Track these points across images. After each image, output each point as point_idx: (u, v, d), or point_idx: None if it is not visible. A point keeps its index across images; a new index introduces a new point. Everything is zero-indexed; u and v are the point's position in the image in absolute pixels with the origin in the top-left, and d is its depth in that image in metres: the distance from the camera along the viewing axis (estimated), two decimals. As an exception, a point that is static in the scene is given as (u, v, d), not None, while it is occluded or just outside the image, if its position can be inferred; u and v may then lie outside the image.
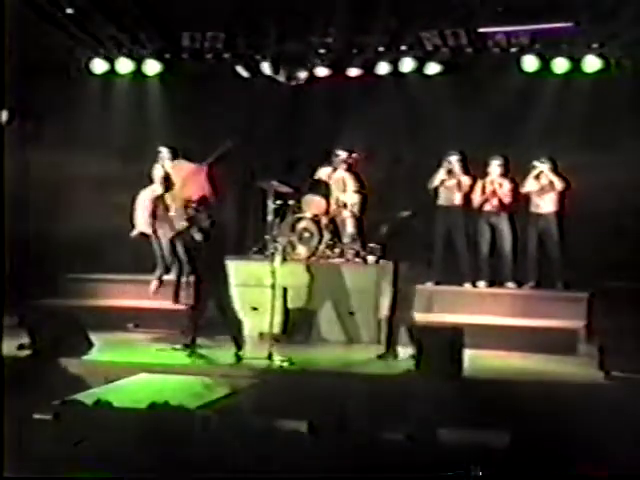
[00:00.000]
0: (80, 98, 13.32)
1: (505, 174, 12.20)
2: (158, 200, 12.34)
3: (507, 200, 12.17)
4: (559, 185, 11.93)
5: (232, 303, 10.36)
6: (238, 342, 10.11)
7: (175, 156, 12.69)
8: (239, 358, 9.99)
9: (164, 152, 12.67)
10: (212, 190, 12.09)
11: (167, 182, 12.45)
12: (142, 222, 12.54)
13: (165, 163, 12.66)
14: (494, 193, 12.17)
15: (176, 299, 12.00)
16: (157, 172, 12.64)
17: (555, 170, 11.97)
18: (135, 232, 12.63)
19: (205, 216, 10.23)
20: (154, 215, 12.32)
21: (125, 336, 11.55)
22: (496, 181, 12.19)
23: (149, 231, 12.45)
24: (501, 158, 12.14)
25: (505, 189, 12.18)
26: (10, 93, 11.93)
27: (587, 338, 10.80)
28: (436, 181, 12.24)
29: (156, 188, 12.53)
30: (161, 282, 12.38)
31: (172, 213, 12.10)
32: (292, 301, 11.47)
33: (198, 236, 10.15)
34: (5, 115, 12.68)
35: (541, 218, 12.07)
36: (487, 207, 12.22)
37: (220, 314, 10.29)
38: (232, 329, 10.22)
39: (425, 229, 11.50)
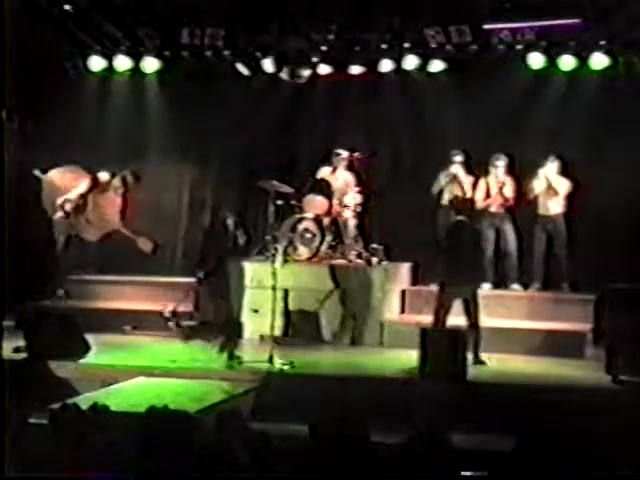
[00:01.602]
0: (78, 96, 13.25)
1: (510, 174, 12.06)
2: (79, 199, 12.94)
3: (511, 201, 12.04)
4: (562, 188, 11.77)
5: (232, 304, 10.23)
6: (225, 345, 9.92)
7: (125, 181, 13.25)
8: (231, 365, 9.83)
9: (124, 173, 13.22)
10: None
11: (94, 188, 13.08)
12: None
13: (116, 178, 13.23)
14: (498, 194, 12.03)
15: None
16: (100, 176, 13.18)
17: (561, 170, 11.81)
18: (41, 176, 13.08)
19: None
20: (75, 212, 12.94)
21: (123, 339, 11.41)
22: (500, 181, 12.04)
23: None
24: (505, 157, 12.01)
25: (509, 189, 12.05)
26: (9, 92, 11.82)
27: (594, 341, 10.67)
28: (438, 188, 12.10)
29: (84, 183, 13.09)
30: None
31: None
32: (293, 303, 11.33)
33: (242, 240, 10.04)
34: (5, 114, 12.59)
35: (549, 219, 11.92)
36: (491, 208, 12.08)
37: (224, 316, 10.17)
38: (229, 331, 10.06)
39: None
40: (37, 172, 12.96)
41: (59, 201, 12.94)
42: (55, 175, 13.13)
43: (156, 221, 13.35)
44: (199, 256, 11.73)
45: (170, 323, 11.44)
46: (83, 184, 13.11)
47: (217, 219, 10.44)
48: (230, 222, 10.15)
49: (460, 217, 10.31)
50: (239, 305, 10.53)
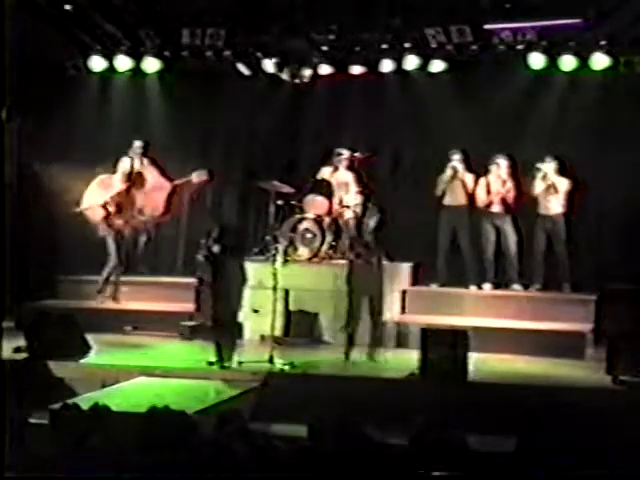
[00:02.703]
0: (78, 96, 13.26)
1: (510, 173, 12.05)
2: (122, 195, 12.53)
3: (511, 201, 12.02)
4: (562, 187, 11.77)
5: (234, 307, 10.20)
6: (221, 349, 9.88)
7: (146, 152, 12.97)
8: (211, 363, 9.79)
9: (137, 146, 12.89)
10: (166, 210, 12.83)
11: (130, 179, 12.69)
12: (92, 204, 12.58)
13: (136, 158, 12.89)
14: (498, 193, 12.02)
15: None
16: (124, 165, 12.75)
17: (561, 170, 11.80)
18: (80, 209, 12.58)
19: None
20: (119, 210, 12.50)
21: (123, 339, 11.41)
22: (500, 181, 12.03)
23: (97, 218, 12.54)
24: (505, 157, 11.99)
25: (509, 189, 12.03)
26: (9, 92, 11.81)
27: (595, 341, 10.66)
28: (441, 188, 12.08)
29: (116, 181, 12.67)
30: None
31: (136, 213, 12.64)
32: (294, 303, 11.31)
33: (216, 248, 9.98)
34: (5, 114, 12.57)
35: (549, 219, 11.90)
36: (491, 208, 12.07)
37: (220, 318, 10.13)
38: (224, 334, 10.02)
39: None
40: (77, 209, 12.58)
41: (100, 202, 12.57)
42: (90, 199, 12.73)
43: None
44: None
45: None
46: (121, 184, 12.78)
47: (217, 220, 10.41)
48: (213, 235, 10.11)
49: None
50: (236, 305, 10.44)
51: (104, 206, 12.51)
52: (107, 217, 12.51)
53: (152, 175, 13.02)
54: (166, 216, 13.10)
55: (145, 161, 13.09)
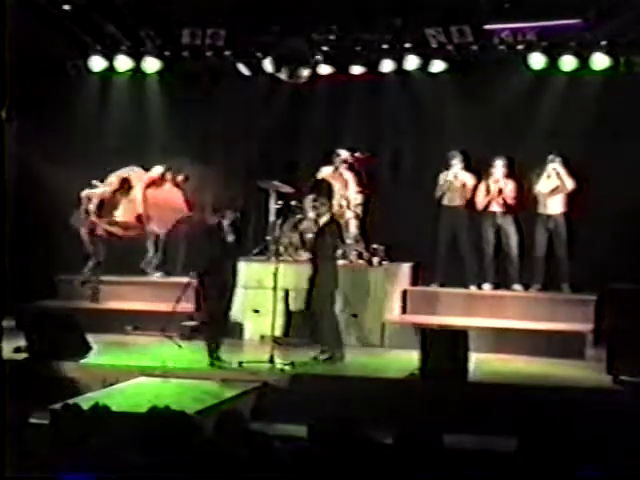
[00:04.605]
0: (78, 96, 13.26)
1: (510, 174, 12.04)
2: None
3: (512, 201, 12.02)
4: (570, 185, 11.76)
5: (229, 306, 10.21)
6: (211, 347, 9.91)
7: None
8: (212, 363, 9.84)
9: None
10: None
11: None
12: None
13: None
14: (499, 194, 12.02)
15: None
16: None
17: (567, 169, 11.79)
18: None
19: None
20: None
21: (123, 339, 11.40)
22: (501, 181, 12.03)
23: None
24: (506, 158, 11.99)
25: (510, 189, 12.02)
26: (9, 92, 11.82)
27: (595, 341, 10.67)
28: (439, 193, 12.08)
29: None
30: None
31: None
32: (294, 303, 11.31)
33: (230, 238, 10.02)
34: (5, 114, 12.56)
35: (549, 219, 11.89)
36: (492, 208, 12.07)
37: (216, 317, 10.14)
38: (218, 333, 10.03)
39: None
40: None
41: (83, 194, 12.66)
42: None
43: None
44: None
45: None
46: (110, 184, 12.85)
47: (215, 219, 10.41)
48: (226, 221, 10.12)
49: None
50: (228, 305, 10.43)
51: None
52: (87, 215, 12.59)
53: (177, 198, 13.06)
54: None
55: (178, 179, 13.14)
